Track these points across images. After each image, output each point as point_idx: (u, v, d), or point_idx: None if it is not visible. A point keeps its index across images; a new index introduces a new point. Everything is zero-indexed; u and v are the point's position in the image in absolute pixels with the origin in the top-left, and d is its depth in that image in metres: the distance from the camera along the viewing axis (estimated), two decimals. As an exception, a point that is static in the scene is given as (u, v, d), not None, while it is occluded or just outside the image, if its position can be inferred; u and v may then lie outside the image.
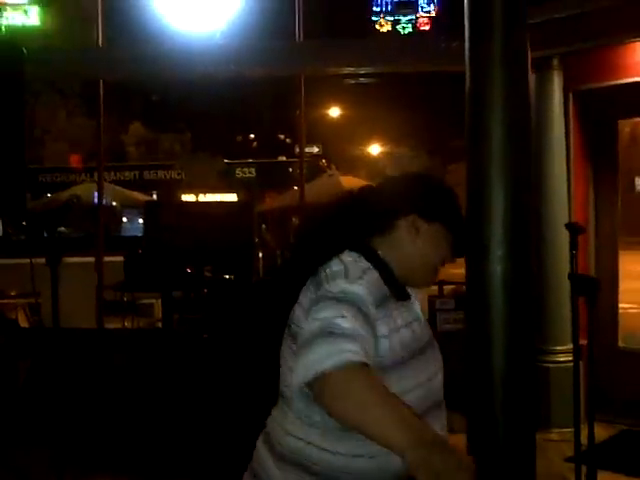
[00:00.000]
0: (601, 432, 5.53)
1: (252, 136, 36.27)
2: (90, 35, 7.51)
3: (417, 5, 11.10)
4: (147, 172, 27.42)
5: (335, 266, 1.84)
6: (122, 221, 27.33)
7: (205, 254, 7.01)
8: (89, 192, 12.21)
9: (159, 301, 8.27)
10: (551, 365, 6.23)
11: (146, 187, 24.58)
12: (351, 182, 15.91)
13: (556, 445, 5.62)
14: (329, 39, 9.57)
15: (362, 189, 2.06)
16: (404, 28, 11.03)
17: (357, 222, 1.94)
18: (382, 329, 1.77)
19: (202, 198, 20.52)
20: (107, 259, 8.29)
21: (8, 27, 8.39)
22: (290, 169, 28.54)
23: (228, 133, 32.45)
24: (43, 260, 3.78)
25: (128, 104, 29.43)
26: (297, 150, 12.20)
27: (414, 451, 1.49)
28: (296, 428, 1.86)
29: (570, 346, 6.15)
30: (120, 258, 7.65)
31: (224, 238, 7.05)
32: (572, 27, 6.09)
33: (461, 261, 3.00)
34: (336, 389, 1.58)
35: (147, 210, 7.97)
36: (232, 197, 21.03)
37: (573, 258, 3.17)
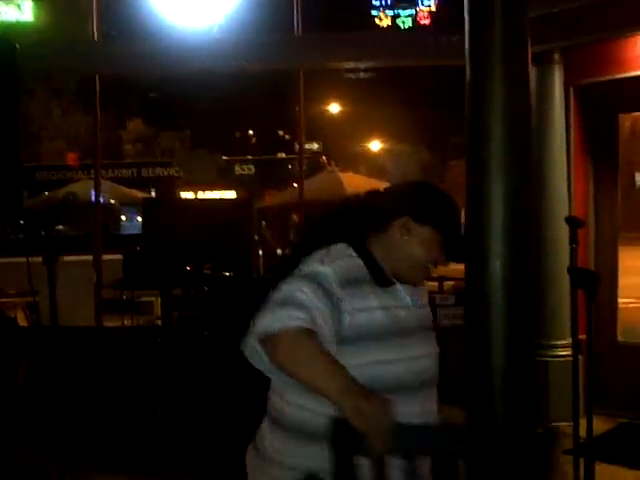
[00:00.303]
0: (600, 425, 5.52)
1: (251, 132, 36.27)
2: (85, 30, 7.47)
3: (417, -1, 11.10)
4: (145, 169, 27.40)
5: (319, 253, 2.12)
6: (120, 219, 27.31)
7: (204, 251, 7.00)
8: (86, 190, 12.19)
9: (159, 299, 8.25)
10: (550, 359, 6.23)
11: (144, 185, 24.57)
12: (351, 179, 15.89)
13: (555, 438, 5.62)
14: (328, 33, 9.55)
15: (368, 192, 2.28)
16: (404, 22, 11.03)
17: (355, 220, 2.20)
18: (347, 306, 2.04)
19: (201, 195, 20.50)
20: (106, 257, 8.28)
21: (1, 22, 8.34)
22: (289, 166, 28.53)
23: (227, 129, 32.44)
24: (41, 259, 3.77)
25: (126, 101, 29.43)
26: (297, 147, 12.19)
27: (344, 398, 1.84)
28: (277, 386, 2.16)
29: (569, 341, 6.15)
30: (119, 256, 7.63)
31: (223, 235, 7.05)
32: (573, 21, 6.07)
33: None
34: (281, 348, 1.94)
35: (145, 208, 7.98)
36: (231, 194, 21.00)
37: (573, 252, 3.16)
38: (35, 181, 25.02)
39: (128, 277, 7.42)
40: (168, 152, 32.37)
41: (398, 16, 10.75)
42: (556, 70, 6.40)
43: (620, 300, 6.84)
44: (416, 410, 2.13)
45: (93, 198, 9.27)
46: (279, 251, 13.87)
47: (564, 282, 6.02)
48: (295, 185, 15.29)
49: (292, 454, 2.10)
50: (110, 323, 8.13)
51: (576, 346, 3.32)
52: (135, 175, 26.82)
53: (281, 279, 2.10)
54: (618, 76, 6.26)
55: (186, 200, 16.34)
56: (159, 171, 27.14)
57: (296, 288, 2.02)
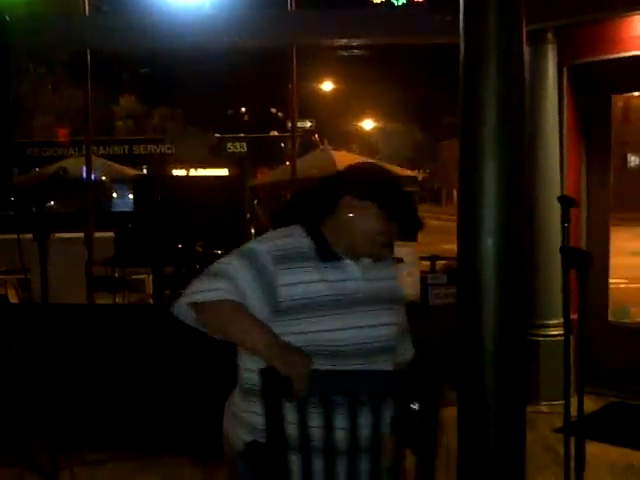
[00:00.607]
0: (590, 404, 5.57)
1: (243, 110, 36.11)
2: (76, 3, 7.40)
3: (411, -24, 10.99)
4: (137, 146, 27.27)
5: (267, 233, 2.39)
6: (112, 196, 27.21)
7: (196, 229, 6.98)
8: (77, 166, 12.11)
9: (150, 277, 8.25)
10: (541, 339, 6.26)
11: (136, 162, 24.47)
12: (343, 157, 15.83)
13: (545, 417, 5.67)
14: (321, 9, 9.47)
15: (322, 178, 2.48)
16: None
17: (309, 204, 2.41)
18: (282, 280, 2.23)
19: (193, 173, 20.39)
20: (97, 235, 8.26)
21: (-9, -4, 8.21)
22: (282, 144, 28.44)
23: (219, 107, 32.29)
24: (31, 236, 3.75)
25: (118, 77, 29.23)
26: (289, 125, 12.13)
27: (269, 350, 2.13)
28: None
29: (560, 320, 6.19)
30: (110, 234, 7.61)
31: (215, 213, 7.03)
32: (566, 0, 6.04)
33: (454, 237, 3.00)
34: (205, 315, 2.23)
35: (137, 185, 7.95)
36: (223, 172, 20.92)
37: (565, 231, 3.16)
38: (26, 157, 24.87)
39: (120, 255, 7.41)
40: (160, 129, 32.22)
41: (392, -7, 10.69)
42: (549, 50, 6.38)
43: (611, 280, 6.87)
44: None
45: (84, 175, 9.23)
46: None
47: (556, 262, 6.04)
48: (287, 163, 15.25)
49: (246, 413, 2.33)
50: (102, 301, 8.13)
51: (568, 325, 3.33)
52: (127, 152, 26.70)
53: None
54: (612, 56, 6.24)
55: (178, 177, 16.29)
56: (151, 148, 27.01)
57: (227, 261, 2.28)
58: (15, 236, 3.93)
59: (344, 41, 8.12)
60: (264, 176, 20.67)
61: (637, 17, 6.08)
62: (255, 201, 17.44)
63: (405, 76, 32.41)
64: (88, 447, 5.08)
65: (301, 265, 2.27)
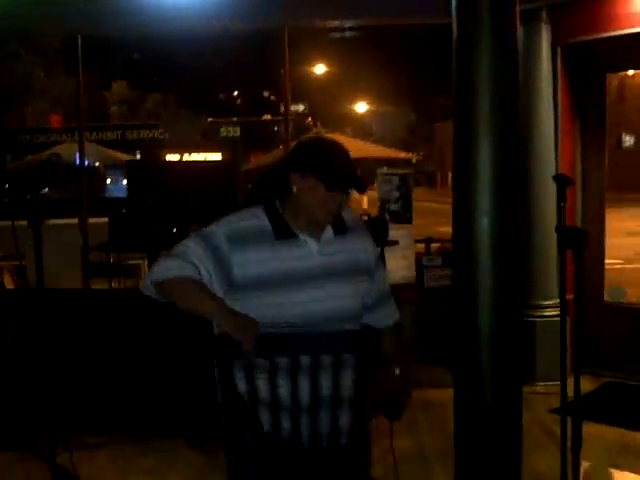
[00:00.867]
0: (586, 384, 5.59)
1: (236, 94, 35.97)
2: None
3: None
4: (130, 132, 27.15)
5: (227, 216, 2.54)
6: (106, 182, 27.13)
7: (190, 213, 6.96)
8: (71, 152, 12.04)
9: (146, 262, 8.23)
10: (537, 319, 6.27)
11: (129, 147, 24.35)
12: (337, 140, 15.77)
13: (542, 398, 5.69)
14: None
15: (279, 161, 2.62)
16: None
17: (267, 186, 2.57)
18: (236, 259, 2.41)
19: (186, 158, 20.33)
20: (91, 220, 8.23)
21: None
22: (275, 128, 28.34)
23: (211, 91, 32.16)
24: (26, 222, 3.73)
25: (110, 63, 29.06)
26: (282, 108, 12.09)
27: (220, 314, 2.36)
28: None
29: (556, 301, 6.21)
30: (104, 219, 7.58)
31: (209, 197, 7.00)
32: (559, -21, 6.02)
33: (449, 220, 2.99)
34: (163, 290, 2.45)
35: (130, 170, 7.90)
36: (217, 156, 20.85)
37: (561, 211, 3.14)
38: (19, 144, 24.75)
39: (114, 240, 7.38)
40: (154, 115, 32.10)
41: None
42: (543, 29, 6.35)
43: (606, 261, 6.87)
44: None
45: (77, 161, 9.18)
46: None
47: (551, 243, 6.05)
48: (281, 147, 15.19)
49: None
50: (98, 286, 8.11)
51: (564, 305, 3.33)
52: (120, 137, 26.59)
53: None
54: (606, 35, 6.22)
55: (171, 162, 16.22)
56: (144, 133, 26.91)
57: (184, 243, 2.48)
58: (9, 223, 3.92)
59: (336, 23, 8.06)
60: (258, 160, 20.61)
61: (631, -5, 6.06)
62: (249, 185, 17.38)
63: (398, 58, 32.29)
64: (87, 431, 5.09)
65: (255, 244, 2.43)
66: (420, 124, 51.45)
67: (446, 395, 3.53)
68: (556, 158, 6.45)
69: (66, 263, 7.14)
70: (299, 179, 2.46)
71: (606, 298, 6.75)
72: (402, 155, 20.55)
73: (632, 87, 26.71)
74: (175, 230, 6.88)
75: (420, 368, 6.14)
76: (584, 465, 3.46)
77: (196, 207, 6.78)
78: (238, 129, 28.05)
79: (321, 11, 7.17)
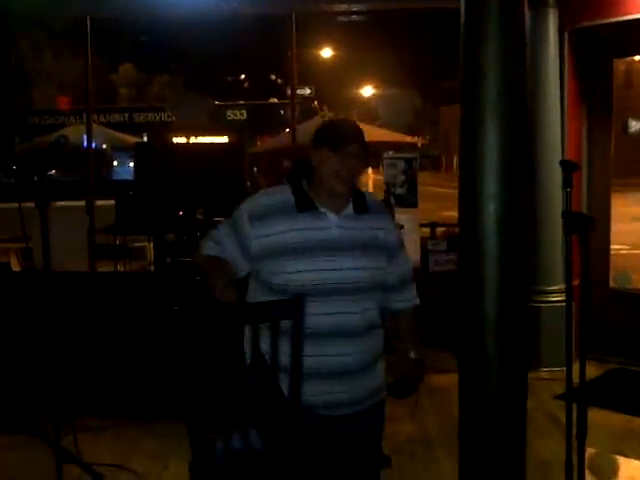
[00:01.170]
0: (591, 370, 5.60)
1: (243, 77, 35.87)
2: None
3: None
4: (137, 114, 27.11)
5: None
6: (113, 164, 27.13)
7: (197, 196, 6.97)
8: (78, 134, 12.06)
9: (151, 244, 8.25)
10: (542, 305, 6.28)
11: (136, 130, 24.32)
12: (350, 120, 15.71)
13: (546, 384, 5.70)
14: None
15: None
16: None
17: (298, 167, 2.78)
18: (256, 233, 2.64)
19: (193, 140, 20.30)
20: (98, 203, 8.25)
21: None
22: (282, 111, 28.28)
23: (219, 74, 32.08)
24: (33, 204, 3.74)
25: (117, 45, 28.99)
26: (289, 91, 12.05)
27: (214, 284, 2.55)
28: None
29: (561, 286, 6.22)
30: (111, 202, 7.60)
31: (216, 180, 7.02)
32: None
33: (454, 204, 2.99)
34: (196, 263, 2.86)
35: (138, 152, 7.92)
36: (223, 139, 20.83)
37: (567, 196, 3.14)
38: (27, 126, 24.74)
39: (121, 222, 7.40)
40: (161, 97, 32.03)
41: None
42: (550, 14, 6.32)
43: (612, 247, 6.87)
44: (352, 309, 2.65)
45: (85, 143, 9.19)
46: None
47: (557, 228, 6.05)
48: (287, 130, 15.17)
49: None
50: (104, 269, 8.14)
51: (569, 291, 3.33)
52: (127, 120, 26.55)
53: None
54: (613, 20, 6.19)
55: (178, 145, 16.18)
56: (151, 116, 26.86)
57: (218, 226, 2.80)
58: (17, 205, 3.93)
59: (344, 7, 8.04)
60: (264, 143, 20.58)
61: (640, -20, 6.02)
62: (255, 168, 17.38)
63: (404, 41, 32.13)
64: (90, 414, 5.12)
65: (276, 218, 2.64)
66: (425, 108, 51.22)
67: (450, 380, 3.54)
68: (562, 143, 6.43)
69: (73, 245, 7.16)
70: (316, 153, 2.67)
71: (612, 284, 6.75)
72: (408, 139, 20.51)
73: (639, 72, 26.55)
74: (181, 213, 6.89)
75: (424, 353, 6.15)
76: (589, 451, 3.46)
77: (203, 190, 6.80)
78: (245, 112, 27.96)
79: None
